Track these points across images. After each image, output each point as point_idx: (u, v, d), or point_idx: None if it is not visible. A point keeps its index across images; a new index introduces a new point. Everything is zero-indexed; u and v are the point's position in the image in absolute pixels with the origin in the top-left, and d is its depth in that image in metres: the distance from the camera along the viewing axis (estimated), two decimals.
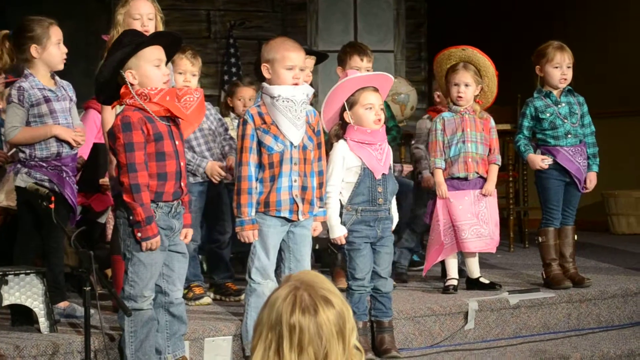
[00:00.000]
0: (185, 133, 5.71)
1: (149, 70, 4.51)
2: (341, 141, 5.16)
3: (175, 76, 5.75)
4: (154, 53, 4.54)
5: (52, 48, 5.16)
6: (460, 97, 5.94)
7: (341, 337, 2.44)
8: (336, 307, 2.45)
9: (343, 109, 5.16)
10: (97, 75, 4.59)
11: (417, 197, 6.65)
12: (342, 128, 5.19)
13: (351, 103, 5.13)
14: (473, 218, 5.86)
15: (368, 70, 5.99)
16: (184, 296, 5.78)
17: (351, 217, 5.12)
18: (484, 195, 5.90)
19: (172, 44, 4.70)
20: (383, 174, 5.14)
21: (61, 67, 5.23)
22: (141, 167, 4.43)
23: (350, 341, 2.46)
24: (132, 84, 4.49)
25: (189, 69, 5.77)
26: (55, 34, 5.19)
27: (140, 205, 4.41)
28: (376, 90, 5.16)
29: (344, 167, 5.13)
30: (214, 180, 5.84)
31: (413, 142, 7.01)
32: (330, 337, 2.41)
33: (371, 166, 5.11)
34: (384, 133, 5.21)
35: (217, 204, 6.02)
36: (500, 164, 6.07)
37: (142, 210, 4.41)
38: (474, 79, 5.94)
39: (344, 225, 5.13)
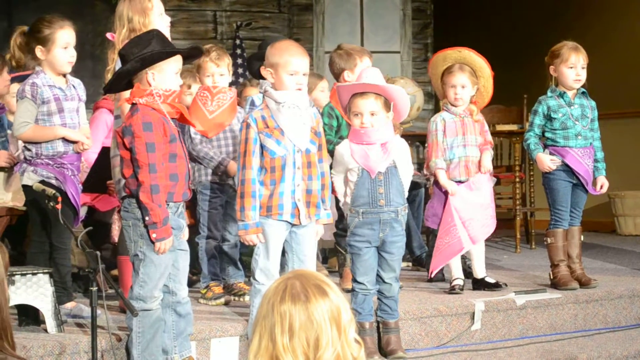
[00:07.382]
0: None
1: (170, 76, 4.53)
2: (345, 141, 5.16)
3: (204, 80, 5.87)
4: (179, 62, 4.58)
5: (56, 51, 5.15)
6: (457, 98, 5.95)
7: (335, 325, 2.45)
8: (330, 297, 2.46)
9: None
10: (124, 67, 4.52)
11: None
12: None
13: (349, 107, 5.11)
14: (478, 209, 5.86)
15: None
16: (203, 296, 5.79)
17: (354, 220, 5.09)
18: (483, 173, 5.93)
19: (191, 56, 4.78)
20: (381, 172, 5.02)
21: (66, 70, 5.21)
22: (160, 168, 4.43)
23: (348, 333, 2.47)
24: (149, 84, 4.49)
25: (215, 70, 5.86)
26: (63, 37, 5.16)
27: (158, 206, 4.41)
28: (376, 95, 5.01)
29: (344, 164, 5.10)
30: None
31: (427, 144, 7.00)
32: (323, 322, 2.44)
33: (366, 166, 5.05)
34: (385, 131, 5.05)
35: (231, 204, 6.02)
36: (492, 149, 6.07)
37: (160, 212, 4.41)
38: (470, 80, 5.95)
39: (349, 228, 5.12)
